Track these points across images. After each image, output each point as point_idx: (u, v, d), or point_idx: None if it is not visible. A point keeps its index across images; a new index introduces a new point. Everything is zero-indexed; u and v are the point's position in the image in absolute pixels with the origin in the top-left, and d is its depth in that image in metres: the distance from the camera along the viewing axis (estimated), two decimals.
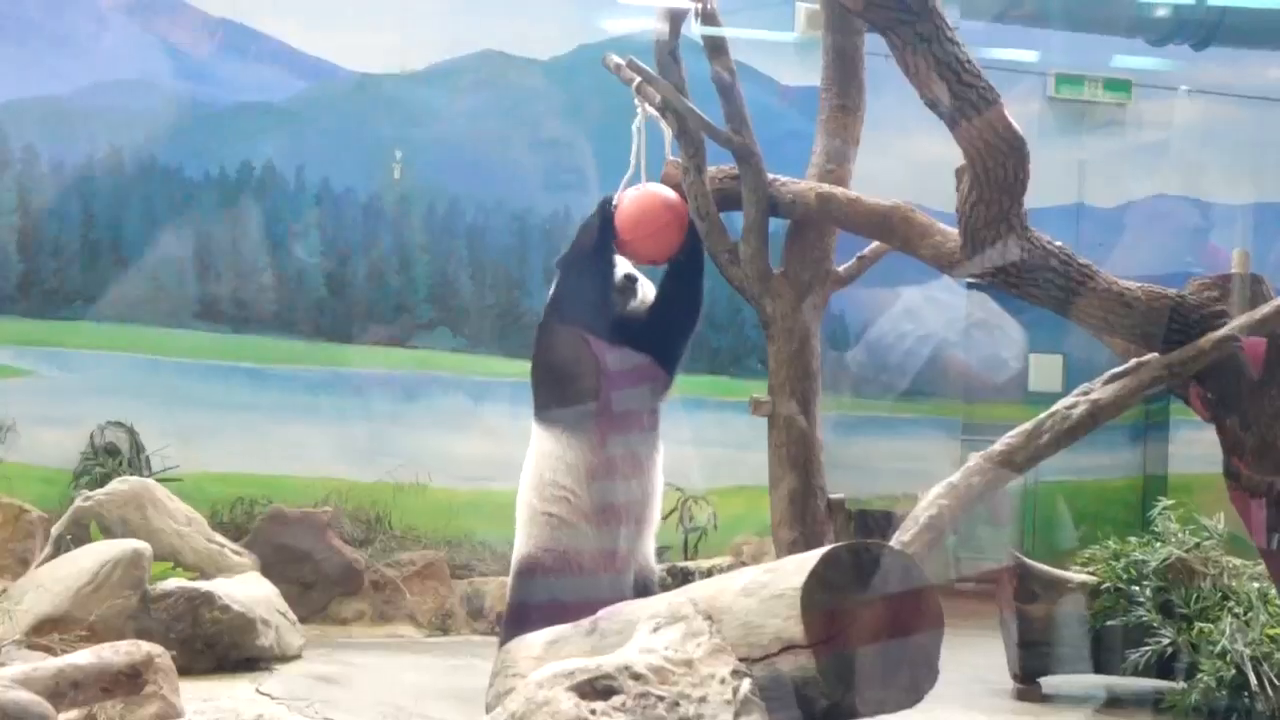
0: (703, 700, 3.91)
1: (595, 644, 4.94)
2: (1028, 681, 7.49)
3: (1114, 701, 7.21)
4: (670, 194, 7.04)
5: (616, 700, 3.82)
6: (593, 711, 3.77)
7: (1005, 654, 7.69)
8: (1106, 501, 12.18)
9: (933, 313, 11.97)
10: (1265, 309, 5.43)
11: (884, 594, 4.15)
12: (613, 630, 4.86)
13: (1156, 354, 5.55)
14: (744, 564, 8.94)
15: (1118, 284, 5.60)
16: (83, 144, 10.22)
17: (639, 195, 7.03)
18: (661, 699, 3.84)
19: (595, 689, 3.86)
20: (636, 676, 3.92)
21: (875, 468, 11.53)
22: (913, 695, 4.17)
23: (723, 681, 4.00)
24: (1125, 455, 12.53)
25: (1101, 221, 12.40)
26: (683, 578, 9.34)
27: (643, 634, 4.25)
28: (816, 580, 4.13)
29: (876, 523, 8.86)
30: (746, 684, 4.00)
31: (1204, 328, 5.45)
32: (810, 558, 4.26)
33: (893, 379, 12.96)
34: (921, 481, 6.56)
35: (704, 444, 11.02)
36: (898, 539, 5.13)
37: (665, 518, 10.95)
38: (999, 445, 5.44)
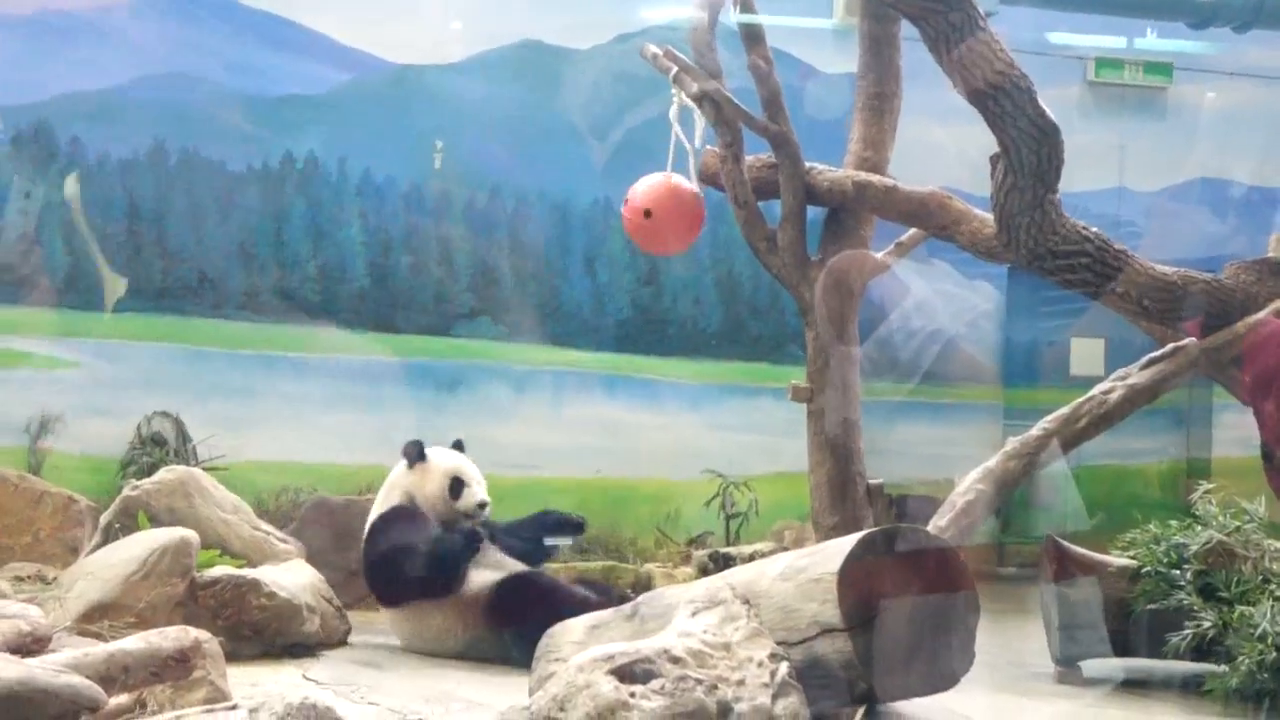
0: (741, 683, 3.97)
1: (636, 628, 5.00)
2: (1068, 665, 7.47)
3: (1154, 684, 7.19)
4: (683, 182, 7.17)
5: (655, 683, 3.87)
6: (632, 694, 3.83)
7: (1046, 638, 7.69)
8: (1149, 485, 12.15)
9: (972, 297, 11.96)
10: None
11: (920, 578, 4.19)
12: (653, 615, 4.92)
13: (1194, 339, 5.56)
14: (785, 549, 8.96)
15: (1154, 269, 5.63)
16: (128, 137, 10.31)
17: (662, 183, 7.14)
18: (700, 682, 3.89)
19: (635, 672, 3.92)
20: (675, 660, 3.98)
21: (916, 453, 11.51)
22: (949, 679, 4.21)
23: (760, 664, 4.06)
24: (1168, 439, 12.49)
25: (1142, 206, 12.35)
26: (724, 563, 9.36)
27: (681, 618, 4.32)
28: (853, 565, 4.19)
29: (916, 507, 8.91)
30: (784, 667, 4.06)
31: (1241, 311, 5.47)
32: (846, 543, 4.31)
33: (932, 364, 12.96)
34: (962, 467, 6.60)
35: (745, 430, 11.12)
36: (934, 523, 5.18)
37: (707, 504, 11.09)
38: (1035, 430, 5.49)
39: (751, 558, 9.20)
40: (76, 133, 10.21)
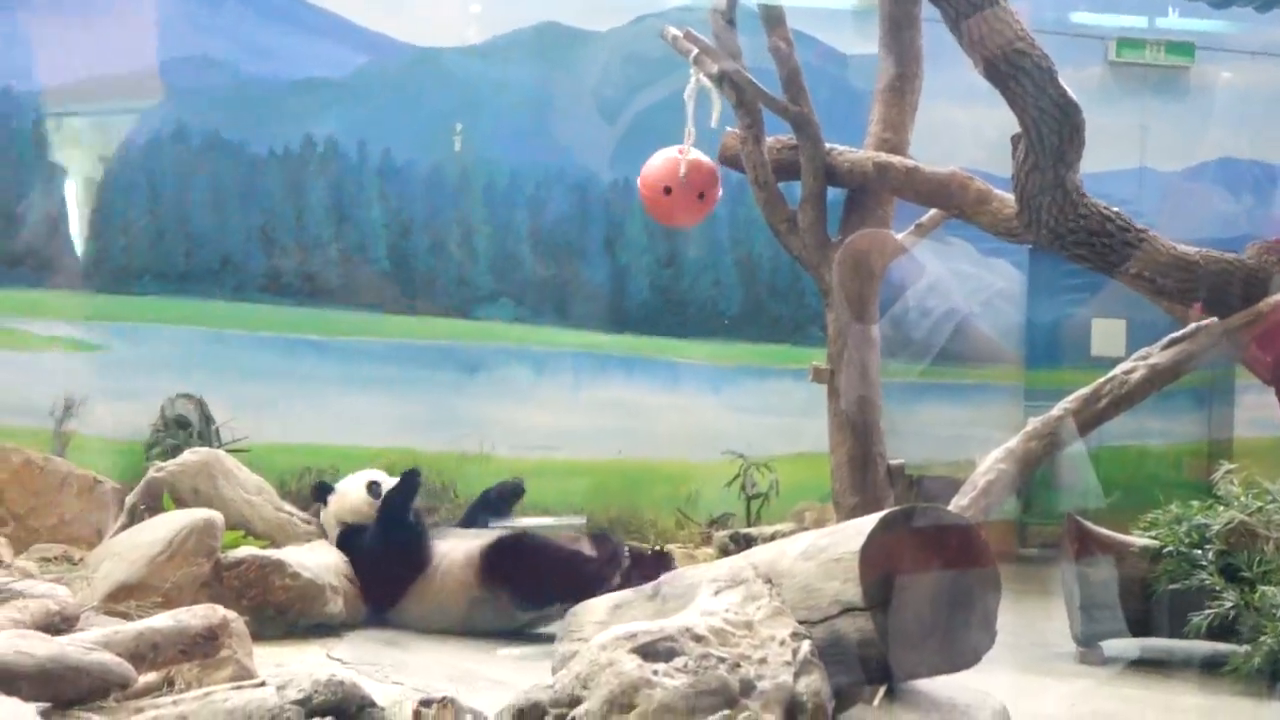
0: (763, 661, 4.00)
1: (658, 608, 5.04)
2: (1089, 645, 7.49)
3: (1175, 664, 7.20)
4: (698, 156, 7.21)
5: (678, 661, 3.90)
6: (655, 672, 3.85)
7: (1067, 617, 7.70)
8: (1170, 466, 12.14)
9: (991, 277, 11.95)
10: None
11: (941, 557, 4.22)
12: (674, 594, 4.96)
13: (1215, 319, 5.57)
14: (806, 529, 8.98)
15: (1175, 248, 5.63)
16: (149, 121, 10.37)
17: (667, 159, 7.19)
18: (722, 660, 3.92)
19: (657, 650, 3.94)
20: (698, 638, 4.00)
21: (936, 434, 11.52)
22: (970, 657, 4.24)
23: (783, 643, 4.08)
24: (1190, 420, 12.47)
25: (1164, 186, 12.33)
26: (745, 543, 9.38)
27: (704, 597, 4.34)
28: (874, 544, 4.21)
29: (937, 488, 8.92)
30: (806, 645, 4.08)
31: (1263, 292, 5.47)
32: (868, 522, 4.34)
33: (952, 344, 12.95)
34: (983, 448, 6.62)
35: (765, 411, 11.15)
36: (956, 503, 5.21)
37: (728, 485, 11.12)
38: (1056, 410, 5.51)
39: (772, 538, 9.20)
40: (98, 116, 10.26)
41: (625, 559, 7.27)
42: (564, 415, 10.85)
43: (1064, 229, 5.27)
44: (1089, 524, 7.69)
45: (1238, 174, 12.54)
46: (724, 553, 9.33)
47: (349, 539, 7.71)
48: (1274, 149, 12.49)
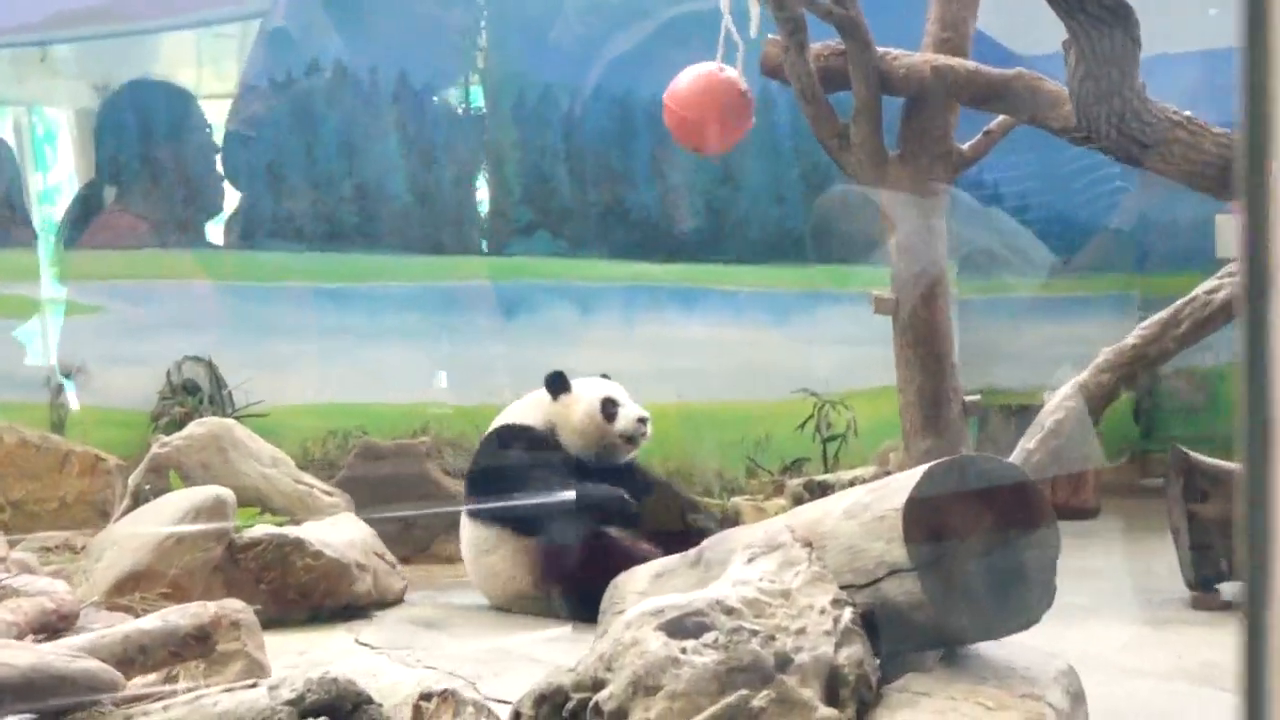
0: (801, 632, 4.19)
1: (701, 575, 5.26)
2: (1204, 588, 7.58)
3: None
4: (731, 76, 7.33)
5: (708, 637, 4.09)
6: (683, 650, 4.05)
7: (1177, 559, 7.81)
8: None
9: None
10: None
11: (993, 512, 4.38)
12: (718, 560, 5.15)
13: None
14: (889, 473, 9.05)
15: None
16: (138, 55, 10.54)
17: (696, 77, 7.33)
18: (755, 633, 4.11)
19: (686, 626, 4.14)
20: (729, 611, 4.19)
21: (1040, 354, 11.57)
22: (1027, 617, 4.40)
23: (822, 612, 4.27)
24: None
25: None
26: (821, 492, 9.49)
27: (737, 566, 4.54)
28: (918, 499, 4.38)
29: (1010, 416, 9.06)
30: (848, 613, 4.28)
31: None
32: (912, 476, 4.51)
33: (1060, 253, 13.01)
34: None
35: (840, 342, 11.14)
36: (1022, 446, 5.36)
37: (800, 426, 11.26)
38: (1130, 339, 5.62)
39: (852, 484, 9.36)
40: (82, 52, 10.42)
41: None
42: (613, 357, 10.79)
43: (1127, 139, 5.41)
44: (1196, 455, 7.81)
45: None
46: (798, 502, 9.46)
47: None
48: None
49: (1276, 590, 1.36)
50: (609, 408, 7.73)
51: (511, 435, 7.83)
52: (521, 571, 7.55)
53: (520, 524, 7.52)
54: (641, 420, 7.75)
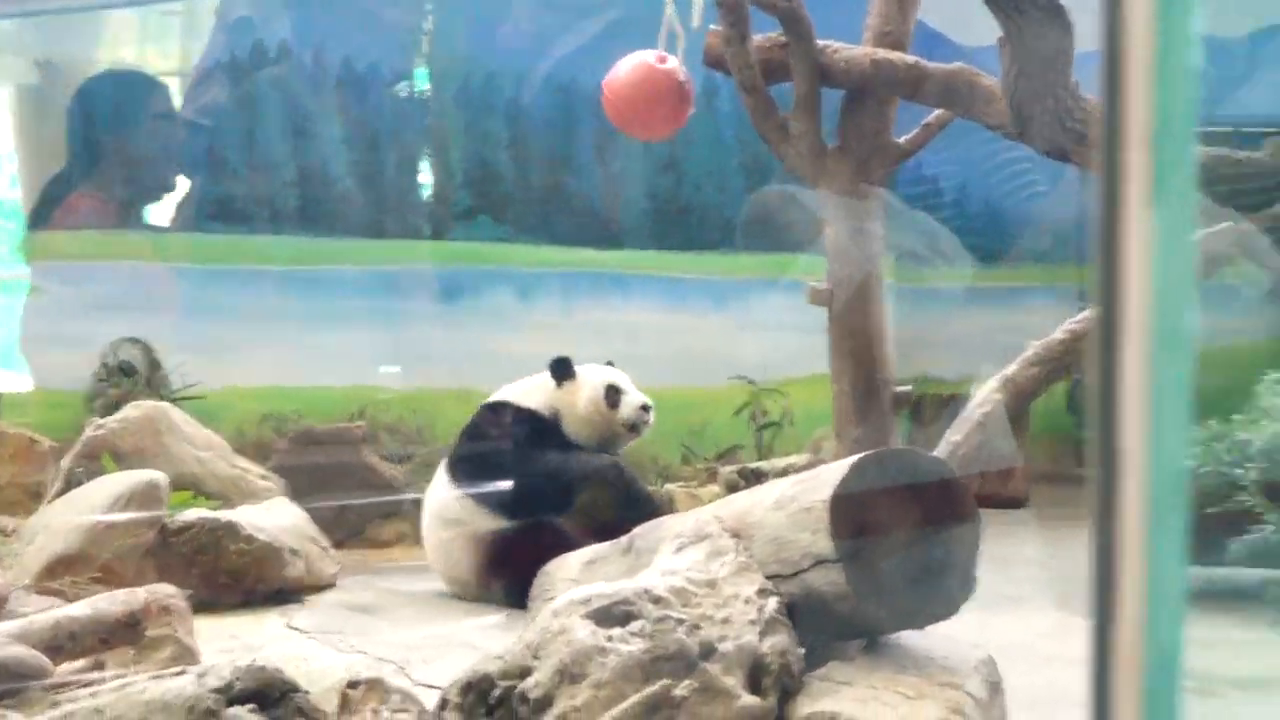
0: (726, 621, 4.26)
1: (632, 563, 5.33)
2: None
3: (1215, 594, 7.37)
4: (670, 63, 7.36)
5: (635, 626, 4.16)
6: (610, 638, 4.11)
7: None
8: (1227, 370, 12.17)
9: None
10: None
11: (917, 504, 4.46)
12: (648, 548, 5.23)
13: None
14: (823, 461, 9.10)
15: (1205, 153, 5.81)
16: (81, 32, 10.50)
17: (635, 65, 7.36)
18: (682, 622, 4.17)
19: (613, 615, 4.20)
20: (656, 600, 4.26)
21: (976, 345, 11.63)
22: (947, 607, 4.49)
23: (748, 601, 4.35)
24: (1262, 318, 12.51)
25: (1229, 55, 12.24)
26: (755, 479, 9.54)
27: (665, 555, 4.62)
28: (845, 492, 4.46)
29: (942, 407, 9.13)
30: (773, 603, 4.35)
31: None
32: (839, 468, 4.59)
33: (999, 243, 13.07)
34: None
35: (779, 329, 11.13)
36: (949, 438, 5.44)
37: (736, 413, 11.32)
38: (1058, 333, 5.70)
39: (785, 472, 9.42)
40: (23, 34, 10.38)
41: None
42: (554, 342, 10.84)
43: (1061, 137, 5.48)
44: None
45: None
46: (732, 490, 9.52)
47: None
48: None
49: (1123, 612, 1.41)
50: (613, 395, 7.71)
51: (515, 416, 7.78)
52: (474, 556, 7.55)
53: (504, 504, 7.49)
54: (645, 408, 7.72)
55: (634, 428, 7.77)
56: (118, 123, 10.53)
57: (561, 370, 7.80)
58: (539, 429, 7.70)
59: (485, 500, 7.52)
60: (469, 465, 7.72)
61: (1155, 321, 1.39)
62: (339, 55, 10.86)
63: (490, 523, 7.47)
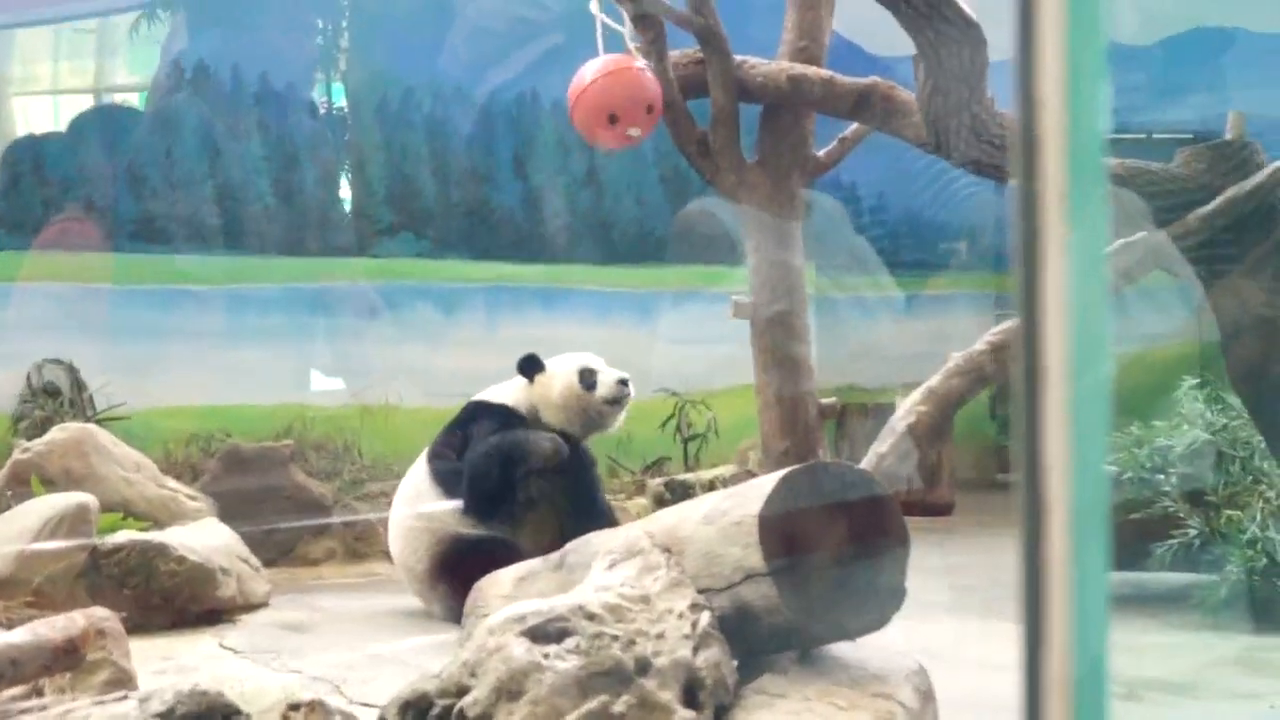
0: (660, 636, 4.31)
1: (563, 579, 5.38)
2: None
3: (1139, 598, 7.48)
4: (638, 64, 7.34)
5: (570, 642, 4.20)
6: (545, 655, 4.15)
7: None
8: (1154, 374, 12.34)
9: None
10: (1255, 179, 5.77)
11: (846, 516, 4.53)
12: (580, 564, 5.28)
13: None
14: (751, 473, 9.17)
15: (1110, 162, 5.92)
16: None
17: (610, 60, 7.30)
18: (616, 638, 4.22)
19: (548, 632, 4.25)
20: (591, 616, 4.31)
21: (896, 354, 11.74)
22: (878, 618, 4.56)
23: (681, 616, 4.40)
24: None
25: (1138, 61, 12.43)
26: (682, 491, 9.62)
27: (598, 571, 4.66)
28: (775, 506, 4.52)
29: (869, 417, 9.21)
30: (705, 617, 4.41)
31: (1192, 203, 5.78)
32: (768, 482, 4.65)
33: (917, 253, 13.21)
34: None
35: (701, 341, 11.25)
36: (874, 450, 5.51)
37: (662, 426, 11.40)
38: (980, 344, 5.78)
39: (712, 484, 9.52)
40: None
41: None
42: (478, 357, 10.91)
43: (976, 151, 5.57)
44: None
45: (1217, 45, 12.68)
46: (659, 503, 9.61)
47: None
48: (1259, 13, 12.58)
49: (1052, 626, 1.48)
50: (587, 377, 7.80)
51: (486, 411, 7.88)
52: (430, 551, 7.61)
53: (468, 508, 7.57)
54: (622, 381, 7.83)
55: (615, 402, 7.87)
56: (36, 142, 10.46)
57: (530, 367, 7.90)
58: (508, 422, 7.77)
59: (452, 494, 7.62)
60: (440, 459, 7.82)
61: (1074, 329, 1.44)
62: (256, 72, 10.83)
63: (453, 524, 7.54)
